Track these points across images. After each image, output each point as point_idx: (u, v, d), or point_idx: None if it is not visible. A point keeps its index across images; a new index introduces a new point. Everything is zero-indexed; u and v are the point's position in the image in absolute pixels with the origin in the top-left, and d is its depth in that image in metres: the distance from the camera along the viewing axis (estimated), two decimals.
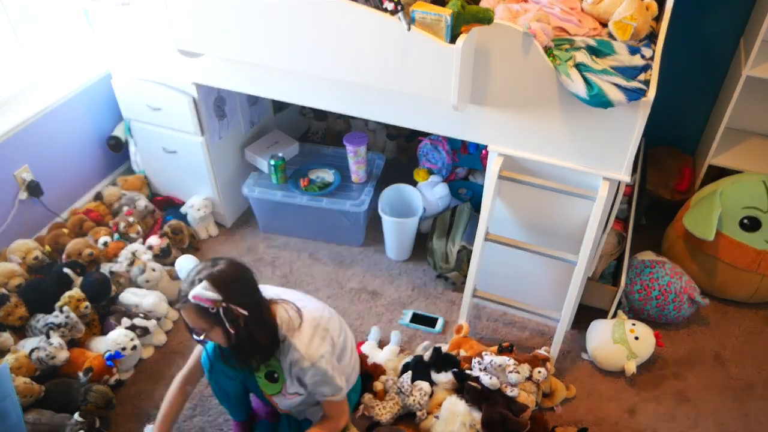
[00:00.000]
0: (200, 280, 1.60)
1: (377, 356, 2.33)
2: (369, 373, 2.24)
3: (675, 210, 2.80)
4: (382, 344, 2.43)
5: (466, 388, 2.10)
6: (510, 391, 2.10)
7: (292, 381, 1.81)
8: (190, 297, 1.58)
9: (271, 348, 1.75)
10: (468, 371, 2.18)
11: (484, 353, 2.20)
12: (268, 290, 1.84)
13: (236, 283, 1.66)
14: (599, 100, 1.78)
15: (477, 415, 2.05)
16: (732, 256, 2.50)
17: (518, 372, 2.11)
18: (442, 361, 2.20)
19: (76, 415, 2.01)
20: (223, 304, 1.59)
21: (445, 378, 2.16)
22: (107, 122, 3.02)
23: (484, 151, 2.68)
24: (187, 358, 2.41)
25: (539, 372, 2.15)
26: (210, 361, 1.90)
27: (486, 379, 2.10)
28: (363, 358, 2.27)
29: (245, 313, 1.63)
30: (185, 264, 1.71)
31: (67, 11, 2.81)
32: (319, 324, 1.79)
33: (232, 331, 1.62)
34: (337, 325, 1.91)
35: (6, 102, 2.63)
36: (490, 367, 2.14)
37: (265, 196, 2.76)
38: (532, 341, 2.48)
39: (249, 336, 1.66)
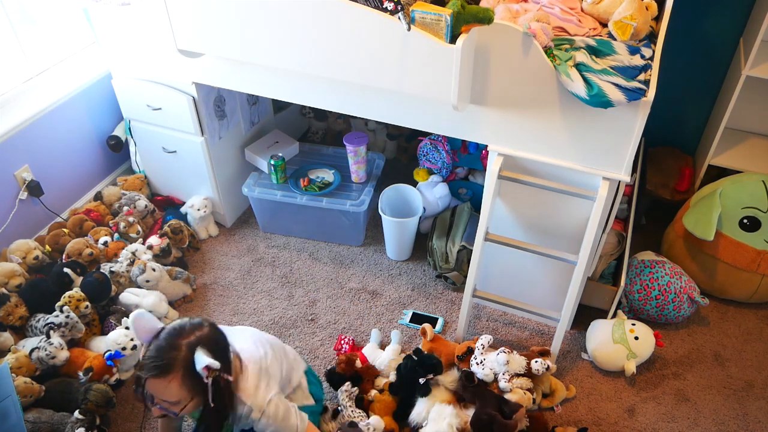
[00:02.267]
0: (191, 347, 1.45)
1: (379, 358, 2.33)
2: (359, 375, 2.24)
3: (675, 210, 2.81)
4: (383, 345, 2.43)
5: (462, 374, 2.14)
6: (504, 382, 2.12)
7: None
8: (198, 368, 1.43)
9: (232, 408, 1.59)
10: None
11: (477, 348, 2.23)
12: None
13: (223, 346, 1.54)
14: (599, 100, 1.78)
15: (465, 414, 2.07)
16: (732, 256, 2.50)
17: (512, 361, 2.16)
18: (425, 361, 2.17)
19: (77, 413, 2.02)
20: (217, 373, 1.46)
21: (449, 378, 2.18)
22: (107, 122, 3.02)
23: (484, 151, 2.68)
24: None
25: (536, 362, 2.16)
26: None
27: (480, 372, 2.12)
28: (356, 359, 2.27)
29: (230, 378, 1.51)
30: (142, 323, 1.49)
31: (67, 11, 2.82)
32: (261, 367, 1.66)
33: (212, 402, 1.47)
34: (277, 360, 1.77)
35: (6, 102, 2.64)
36: (486, 361, 2.17)
37: (265, 196, 2.76)
38: (532, 341, 2.48)
39: (227, 402, 1.54)
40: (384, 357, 2.32)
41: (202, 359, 1.42)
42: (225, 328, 1.71)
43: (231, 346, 1.63)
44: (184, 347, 1.45)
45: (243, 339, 1.74)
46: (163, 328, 1.52)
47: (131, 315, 1.50)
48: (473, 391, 2.11)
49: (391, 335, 2.45)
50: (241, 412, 1.58)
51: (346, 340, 2.44)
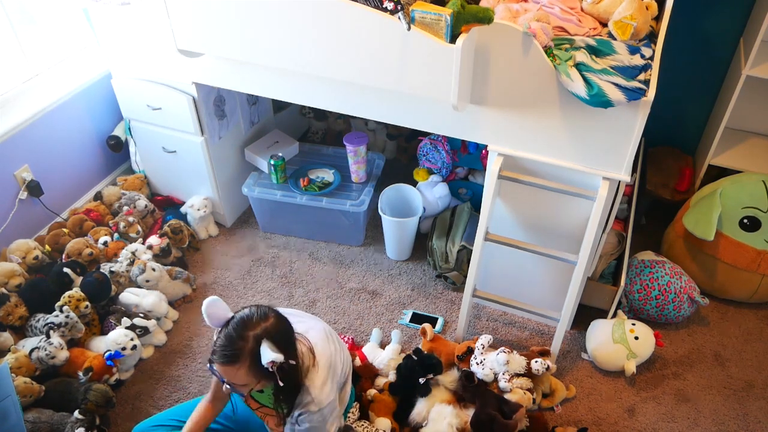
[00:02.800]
0: (258, 339, 1.51)
1: (379, 357, 2.33)
2: (357, 373, 2.24)
3: (675, 210, 2.81)
4: (383, 344, 2.43)
5: (462, 374, 2.14)
6: (504, 382, 2.12)
7: (291, 417, 1.73)
8: (264, 362, 1.48)
9: (299, 388, 1.67)
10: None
11: (477, 348, 2.22)
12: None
13: (288, 335, 1.60)
14: (599, 100, 1.78)
15: (465, 414, 2.07)
16: (732, 256, 2.50)
17: (512, 360, 2.15)
18: (425, 361, 2.19)
19: (76, 413, 2.02)
20: (282, 362, 1.51)
21: (449, 378, 2.18)
22: (107, 122, 3.02)
23: (484, 151, 2.68)
24: (186, 358, 2.43)
25: (536, 362, 2.16)
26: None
27: (480, 372, 2.12)
28: (354, 358, 2.27)
29: (294, 363, 1.58)
30: (215, 311, 1.58)
31: (67, 11, 2.82)
32: (331, 365, 1.73)
33: (281, 384, 1.54)
34: (338, 349, 1.83)
35: (6, 102, 2.64)
36: (486, 361, 2.17)
37: (265, 196, 2.76)
38: (532, 341, 2.48)
39: (293, 384, 1.62)
40: (384, 356, 2.32)
41: (268, 354, 1.48)
42: (297, 313, 1.81)
43: (307, 340, 1.70)
44: (251, 339, 1.51)
45: (316, 330, 1.78)
46: (233, 317, 1.58)
47: (204, 302, 1.55)
48: (473, 391, 2.12)
49: (392, 335, 2.45)
50: (300, 400, 1.65)
51: (346, 339, 2.44)
